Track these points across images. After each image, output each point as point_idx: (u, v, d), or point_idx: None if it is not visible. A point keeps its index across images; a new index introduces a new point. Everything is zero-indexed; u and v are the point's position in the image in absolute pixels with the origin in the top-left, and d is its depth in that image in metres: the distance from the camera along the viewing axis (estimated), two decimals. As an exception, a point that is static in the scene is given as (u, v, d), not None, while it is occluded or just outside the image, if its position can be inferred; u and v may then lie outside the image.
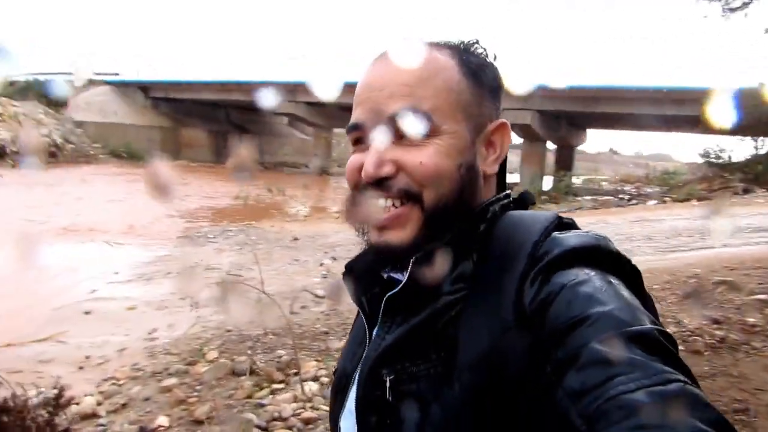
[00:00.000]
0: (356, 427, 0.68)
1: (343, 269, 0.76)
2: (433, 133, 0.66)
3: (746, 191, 13.59)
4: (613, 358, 0.47)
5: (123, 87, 32.93)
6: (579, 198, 17.59)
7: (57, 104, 29.18)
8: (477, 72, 0.70)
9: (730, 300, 3.86)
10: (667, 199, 14.74)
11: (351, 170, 0.71)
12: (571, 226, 0.66)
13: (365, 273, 0.73)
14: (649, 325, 0.50)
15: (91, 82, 32.65)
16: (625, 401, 0.43)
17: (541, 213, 0.67)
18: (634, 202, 15.50)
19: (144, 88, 33.04)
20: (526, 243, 0.61)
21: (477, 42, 0.73)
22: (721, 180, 15.74)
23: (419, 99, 0.65)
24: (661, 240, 7.39)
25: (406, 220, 0.67)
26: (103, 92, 31.92)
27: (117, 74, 34.39)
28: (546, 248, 0.59)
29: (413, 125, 0.65)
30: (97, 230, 9.36)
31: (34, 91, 28.70)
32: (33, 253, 7.33)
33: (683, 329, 3.40)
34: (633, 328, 0.49)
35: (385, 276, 0.72)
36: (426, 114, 0.65)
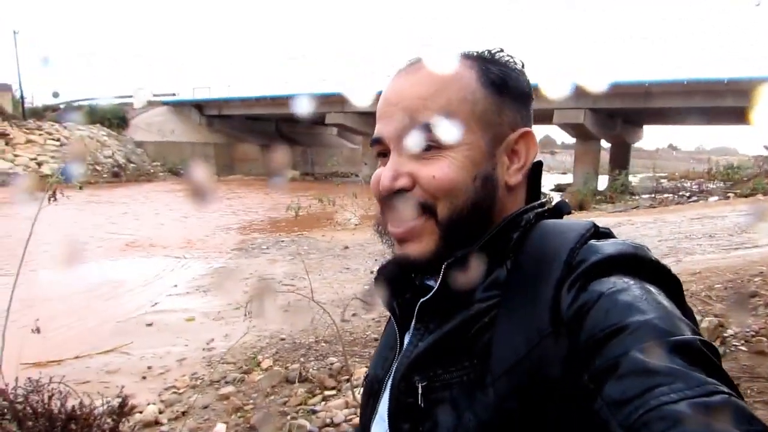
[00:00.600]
0: None
1: (375, 275, 0.76)
2: (447, 145, 0.66)
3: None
4: (654, 367, 0.46)
5: (179, 106, 34.37)
6: (636, 196, 17.03)
7: (119, 126, 30.66)
8: (498, 80, 0.69)
9: (797, 299, 3.67)
10: (730, 194, 14.08)
11: (374, 183, 0.71)
12: (607, 235, 0.65)
13: (396, 278, 0.73)
14: (690, 335, 0.49)
15: (150, 104, 34.18)
16: (668, 412, 0.42)
17: (577, 221, 0.65)
18: (694, 199, 14.89)
19: (199, 106, 34.35)
20: (562, 250, 0.60)
21: (501, 50, 0.72)
22: (790, 172, 14.93)
23: (432, 111, 0.66)
24: (724, 237, 7.07)
25: (421, 233, 0.67)
26: (161, 112, 33.40)
27: (174, 94, 35.90)
28: (583, 256, 0.58)
29: (426, 138, 0.65)
30: (157, 245, 9.76)
31: (98, 114, 30.29)
32: (98, 269, 7.73)
33: (746, 330, 3.25)
34: (674, 337, 0.48)
35: (417, 282, 0.72)
36: (438, 128, 0.65)
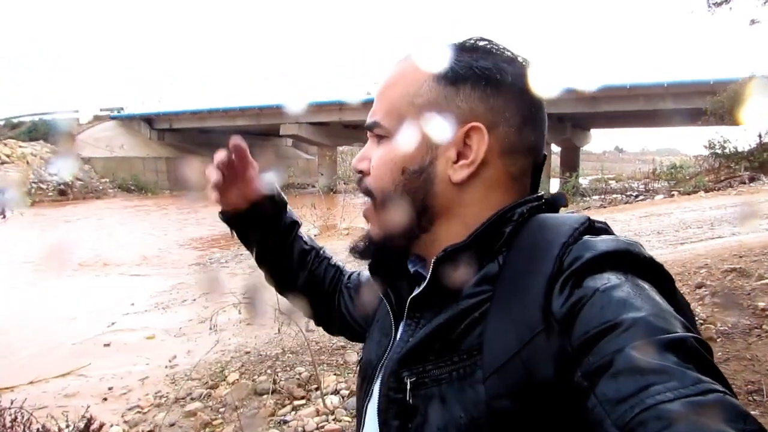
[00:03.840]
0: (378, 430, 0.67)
1: (368, 263, 0.78)
2: (386, 135, 0.70)
3: (752, 180, 13.53)
4: (649, 365, 0.45)
5: (128, 121, 33.43)
6: (587, 198, 17.55)
7: (64, 142, 29.63)
8: (453, 73, 0.66)
9: (740, 287, 3.89)
10: (674, 192, 14.68)
11: None
12: (604, 231, 0.63)
13: (388, 266, 0.75)
14: (684, 333, 0.48)
15: (97, 118, 33.17)
16: (663, 411, 0.42)
17: (572, 215, 0.64)
18: (641, 198, 15.44)
19: (149, 120, 33.49)
20: (554, 244, 0.59)
21: (482, 39, 0.69)
22: (727, 170, 15.69)
23: (381, 104, 0.71)
24: (671, 233, 7.39)
25: (369, 215, 0.73)
26: (108, 127, 32.44)
27: (122, 108, 34.94)
28: (576, 252, 0.57)
29: (371, 128, 0.72)
30: (111, 263, 9.48)
31: (40, 131, 29.20)
32: (49, 290, 7.46)
33: (696, 318, 3.42)
34: (668, 335, 0.47)
35: (412, 270, 0.74)
36: (378, 118, 0.70)
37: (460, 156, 0.67)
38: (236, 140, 0.92)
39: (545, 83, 0.69)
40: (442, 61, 0.67)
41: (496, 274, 0.63)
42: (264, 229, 1.00)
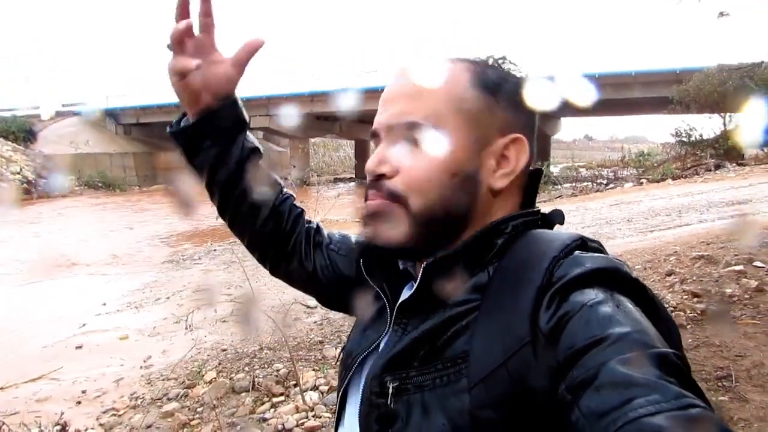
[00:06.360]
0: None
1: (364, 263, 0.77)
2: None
3: (718, 167, 13.90)
4: (632, 379, 0.46)
5: (92, 116, 32.58)
6: (558, 186, 17.79)
7: (25, 139, 28.81)
8: (491, 82, 0.69)
9: (708, 273, 3.99)
10: (643, 180, 14.98)
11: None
12: (597, 249, 0.64)
13: (381, 263, 0.74)
14: (666, 349, 0.50)
15: (59, 114, 32.30)
16: (645, 424, 0.43)
17: (565, 232, 0.66)
18: (611, 186, 15.73)
19: (114, 115, 32.74)
20: (545, 258, 0.60)
21: (503, 58, 0.73)
22: (694, 157, 16.08)
23: (419, 107, 0.68)
24: (640, 221, 7.55)
25: (390, 215, 0.68)
26: (72, 123, 31.63)
27: (84, 104, 34.04)
28: (566, 268, 0.58)
29: (412, 133, 0.68)
30: (80, 263, 9.27)
31: (0, 128, 28.33)
32: (14, 293, 7.26)
33: (666, 305, 3.50)
34: (652, 350, 0.49)
35: (401, 267, 0.74)
36: (421, 121, 0.67)
37: (498, 165, 0.69)
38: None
39: (546, 98, 0.72)
40: (482, 71, 0.70)
41: (486, 283, 0.64)
42: (225, 143, 0.86)
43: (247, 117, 0.88)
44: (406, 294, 0.71)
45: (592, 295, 0.55)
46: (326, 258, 0.95)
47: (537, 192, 0.75)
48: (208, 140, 0.85)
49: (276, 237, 0.94)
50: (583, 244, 0.64)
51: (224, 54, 0.83)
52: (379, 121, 0.72)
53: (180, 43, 0.78)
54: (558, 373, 0.52)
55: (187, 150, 0.87)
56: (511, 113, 0.70)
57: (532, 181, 0.74)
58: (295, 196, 0.98)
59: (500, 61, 0.73)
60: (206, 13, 0.80)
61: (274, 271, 0.98)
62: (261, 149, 0.92)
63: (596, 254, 0.62)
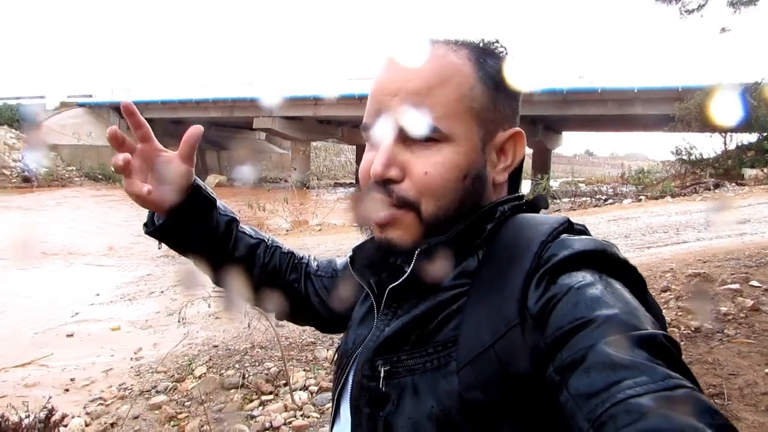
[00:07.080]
0: (350, 417, 0.68)
1: (351, 253, 0.77)
2: (443, 140, 0.65)
3: (717, 186, 13.90)
4: (620, 361, 0.46)
5: (97, 109, 32.66)
6: (557, 200, 17.79)
7: (30, 129, 28.83)
8: (494, 75, 0.68)
9: (704, 291, 3.98)
10: (642, 197, 14.98)
11: (363, 168, 0.70)
12: (582, 232, 0.65)
13: (373, 258, 0.73)
14: (654, 330, 0.50)
15: (64, 105, 32.34)
16: (633, 405, 0.43)
17: (552, 216, 0.66)
18: (610, 201, 15.71)
19: (118, 109, 32.73)
20: (534, 242, 0.60)
21: (497, 42, 0.71)
22: (693, 176, 16.08)
23: (430, 106, 0.64)
24: (638, 237, 7.54)
25: (400, 222, 0.67)
26: (76, 115, 31.66)
27: (90, 96, 34.11)
28: (554, 250, 0.58)
29: (421, 133, 0.65)
30: (77, 253, 9.26)
31: (5, 116, 28.35)
32: (9, 279, 7.24)
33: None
34: (639, 332, 0.49)
35: (394, 262, 0.72)
36: (435, 122, 0.64)
37: (498, 159, 0.70)
38: (126, 104, 0.84)
39: (527, 82, 0.71)
40: (484, 62, 0.68)
41: (476, 268, 0.64)
42: (205, 226, 0.89)
43: (212, 194, 0.91)
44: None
45: (580, 277, 0.55)
46: (315, 284, 0.99)
47: (521, 179, 0.76)
48: (188, 230, 0.89)
49: (276, 293, 0.98)
50: (570, 226, 0.64)
51: (168, 153, 0.86)
52: (377, 117, 0.68)
53: (126, 169, 0.82)
54: (546, 355, 0.52)
55: (173, 244, 0.91)
56: (509, 106, 0.70)
57: (517, 169, 0.74)
58: (280, 244, 1.01)
59: (494, 47, 0.71)
60: (137, 126, 0.85)
61: (289, 320, 1.05)
62: (236, 217, 0.95)
63: (584, 237, 0.62)
